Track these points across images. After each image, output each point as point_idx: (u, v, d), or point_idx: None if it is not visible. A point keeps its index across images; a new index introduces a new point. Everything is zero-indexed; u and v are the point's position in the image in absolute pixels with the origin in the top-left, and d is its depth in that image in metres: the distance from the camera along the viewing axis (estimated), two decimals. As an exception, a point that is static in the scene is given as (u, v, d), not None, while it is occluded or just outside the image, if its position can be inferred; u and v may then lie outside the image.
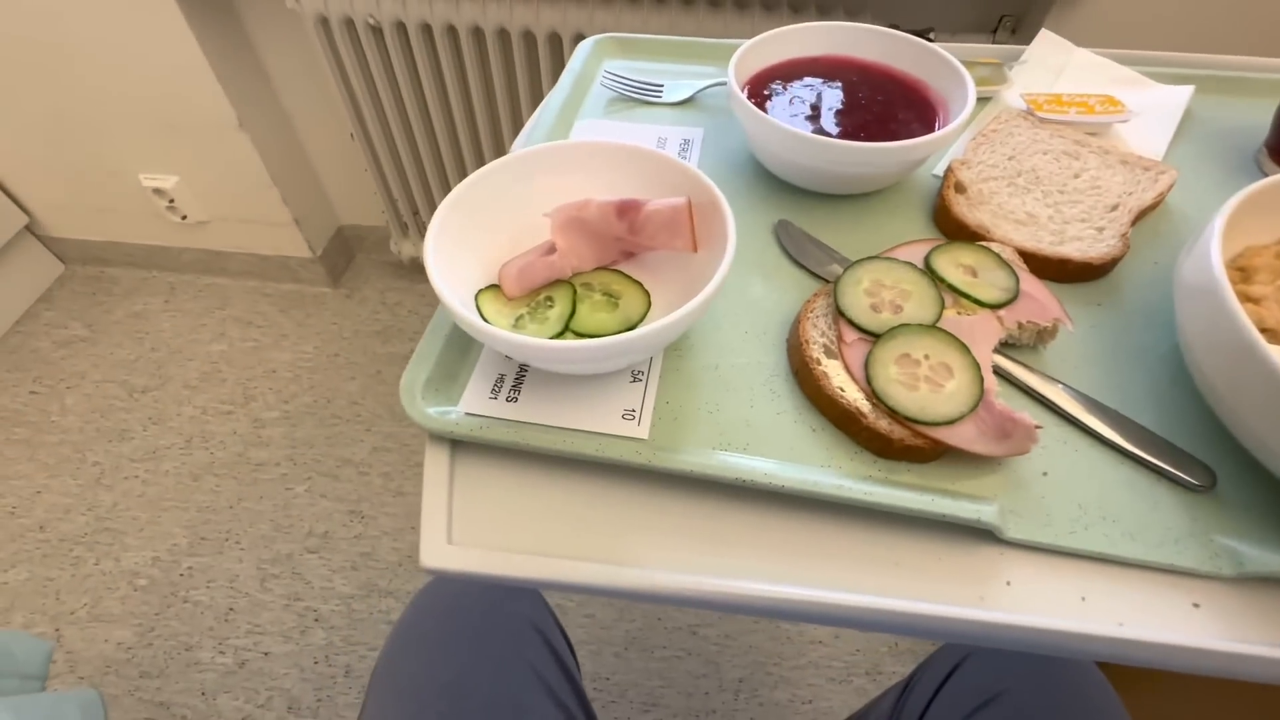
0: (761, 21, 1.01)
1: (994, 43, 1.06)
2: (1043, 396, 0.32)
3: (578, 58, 0.53)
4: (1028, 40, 1.01)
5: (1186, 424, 0.31)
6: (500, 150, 1.26)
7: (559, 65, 1.10)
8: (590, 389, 0.33)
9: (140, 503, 1.25)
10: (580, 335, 0.33)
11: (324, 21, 1.11)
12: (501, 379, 0.33)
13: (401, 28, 1.10)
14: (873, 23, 1.04)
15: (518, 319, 0.34)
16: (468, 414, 0.32)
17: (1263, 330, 0.31)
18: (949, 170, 0.41)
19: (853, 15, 1.01)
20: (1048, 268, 0.37)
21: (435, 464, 0.31)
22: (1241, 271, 0.34)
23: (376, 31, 1.12)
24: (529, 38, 1.08)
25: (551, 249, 0.35)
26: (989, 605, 0.27)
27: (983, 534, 0.28)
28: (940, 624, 0.26)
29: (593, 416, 0.32)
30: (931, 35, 1.07)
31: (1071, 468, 0.30)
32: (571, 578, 0.28)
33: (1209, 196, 0.42)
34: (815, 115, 0.42)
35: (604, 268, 0.37)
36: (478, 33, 1.09)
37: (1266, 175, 0.42)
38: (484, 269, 0.35)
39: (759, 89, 0.44)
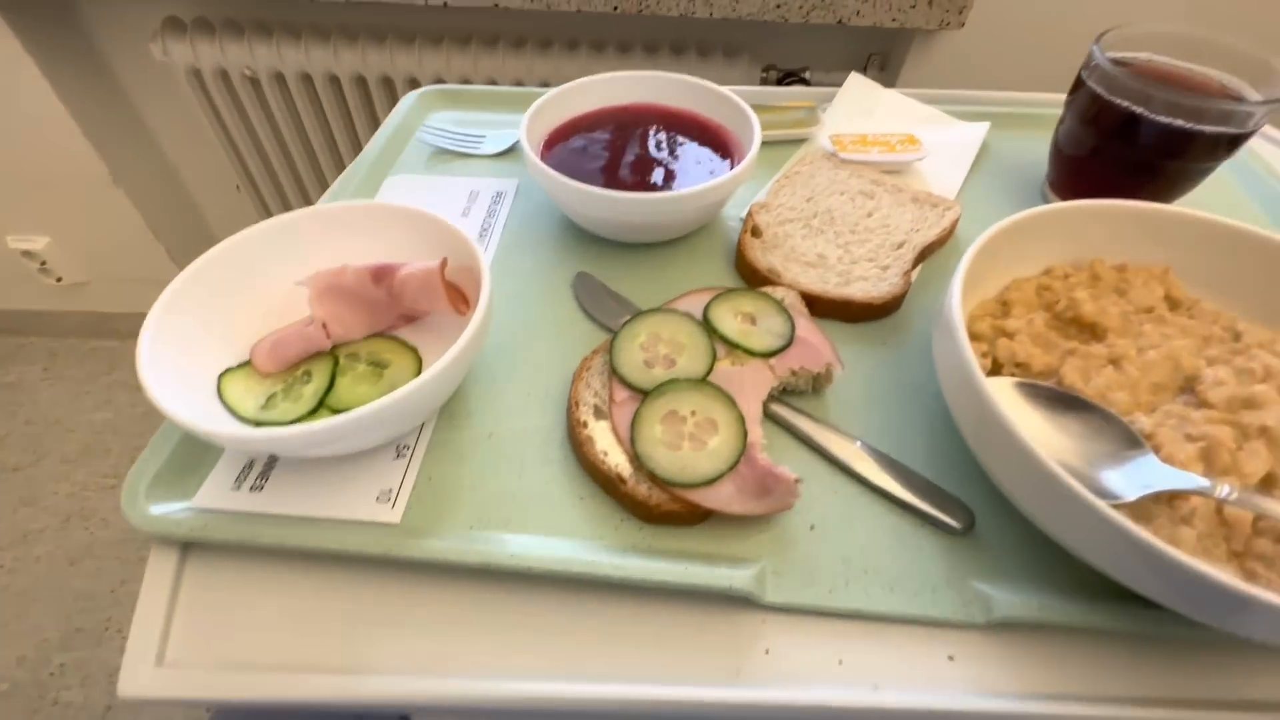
0: (594, 64, 1.03)
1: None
2: (817, 444, 0.32)
3: (398, 111, 0.52)
4: (895, 75, 1.06)
5: (952, 464, 0.31)
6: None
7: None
8: (347, 470, 0.30)
9: (4, 597, 1.14)
10: (337, 411, 0.31)
11: (196, 73, 1.08)
12: (250, 465, 0.31)
13: (280, 78, 1.08)
14: (749, 64, 1.07)
15: (269, 398, 0.31)
16: (201, 509, 0.29)
17: (1016, 364, 0.32)
18: (749, 214, 0.42)
19: (730, 58, 1.04)
20: (834, 309, 0.37)
21: (157, 571, 0.28)
22: (1004, 305, 0.35)
23: (254, 82, 1.09)
24: (414, 84, 1.07)
25: (312, 319, 0.33)
26: (745, 678, 0.26)
27: (743, 600, 0.27)
28: (689, 709, 0.25)
29: (343, 502, 0.29)
30: (807, 75, 1.12)
31: (840, 519, 0.29)
32: (303, 694, 0.25)
33: (996, 229, 0.43)
34: (615, 165, 0.42)
35: (380, 334, 0.35)
36: (360, 81, 1.07)
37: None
38: (237, 347, 0.32)
39: (562, 139, 0.43)
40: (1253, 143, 0.50)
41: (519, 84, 1.06)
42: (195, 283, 0.31)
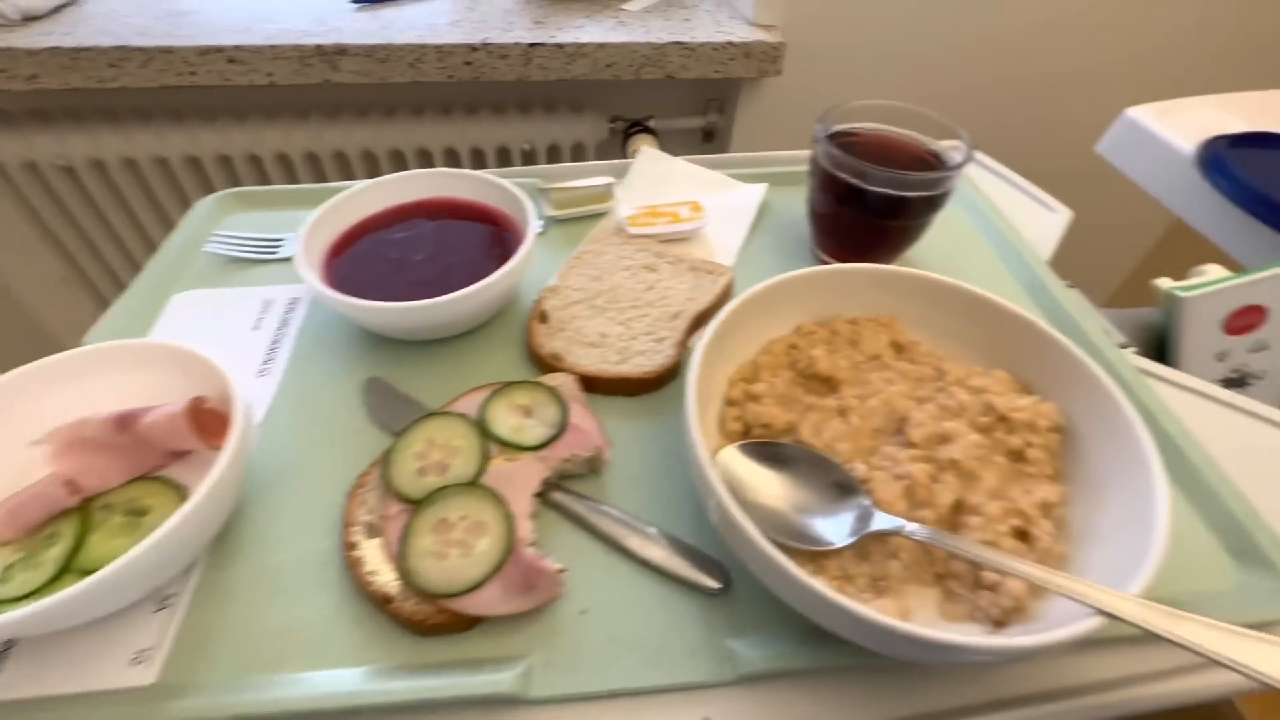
0: (441, 128, 1.04)
1: (704, 121, 1.18)
2: (591, 525, 0.34)
3: (188, 221, 0.51)
4: (732, 118, 1.14)
5: (709, 528, 0.34)
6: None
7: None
8: (97, 635, 0.29)
9: None
10: (88, 572, 0.30)
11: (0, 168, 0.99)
12: (-13, 646, 0.29)
13: (100, 165, 1.01)
14: (596, 117, 1.12)
15: (6, 569, 0.29)
16: (-78, 709, 0.27)
17: (762, 425, 0.35)
18: (538, 299, 0.44)
19: (577, 113, 1.09)
20: (613, 386, 0.39)
21: None
22: (755, 368, 0.38)
23: (68, 171, 1.02)
24: (254, 160, 1.04)
25: (56, 479, 0.31)
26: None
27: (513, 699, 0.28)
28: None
29: (93, 672, 0.28)
30: (652, 124, 1.17)
31: (610, 598, 0.31)
32: None
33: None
34: (401, 266, 0.43)
35: (143, 476, 0.34)
36: (193, 161, 1.03)
37: (815, 259, 0.50)
38: (-30, 516, 0.30)
39: (350, 243, 0.44)
40: (981, 178, 0.58)
41: (368, 154, 1.06)
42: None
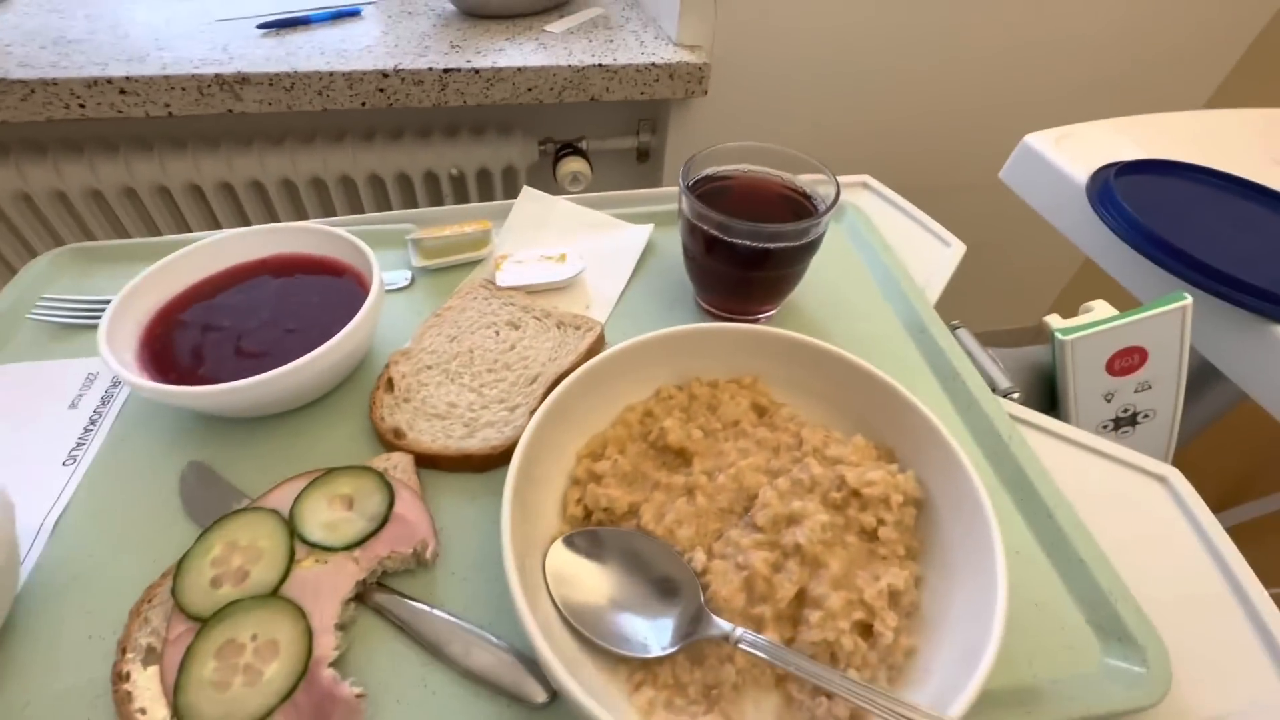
0: (363, 153, 1.01)
1: (637, 141, 1.16)
2: (413, 631, 0.31)
3: (15, 285, 0.47)
4: (664, 138, 1.12)
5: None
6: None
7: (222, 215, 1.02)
8: None
9: None
10: None
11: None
12: None
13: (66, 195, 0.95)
14: (525, 139, 1.09)
15: None
16: None
17: (603, 509, 0.33)
18: (386, 365, 0.40)
19: (506, 135, 1.06)
20: (456, 464, 0.36)
21: None
22: (603, 443, 0.36)
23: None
24: (165, 193, 0.99)
25: None
26: None
27: None
28: None
29: None
30: (583, 145, 1.15)
31: (425, 714, 0.28)
32: None
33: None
34: (232, 335, 0.39)
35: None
36: (95, 194, 0.97)
37: (698, 307, 0.47)
38: None
39: (177, 311, 0.40)
40: (876, 209, 0.57)
41: (287, 182, 1.01)
42: None
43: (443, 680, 0.30)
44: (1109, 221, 0.47)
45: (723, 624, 0.28)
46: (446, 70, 0.92)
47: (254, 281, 0.42)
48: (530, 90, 0.96)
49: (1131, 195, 0.50)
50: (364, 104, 0.93)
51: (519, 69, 0.94)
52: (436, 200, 1.09)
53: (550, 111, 1.09)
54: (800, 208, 0.43)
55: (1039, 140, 0.59)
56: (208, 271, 0.42)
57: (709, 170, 0.44)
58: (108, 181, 0.95)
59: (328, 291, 0.42)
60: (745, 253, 0.40)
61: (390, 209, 1.06)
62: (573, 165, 1.12)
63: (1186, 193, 0.52)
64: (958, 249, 0.52)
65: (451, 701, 0.29)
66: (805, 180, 0.44)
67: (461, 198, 1.10)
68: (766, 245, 0.40)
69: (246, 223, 1.04)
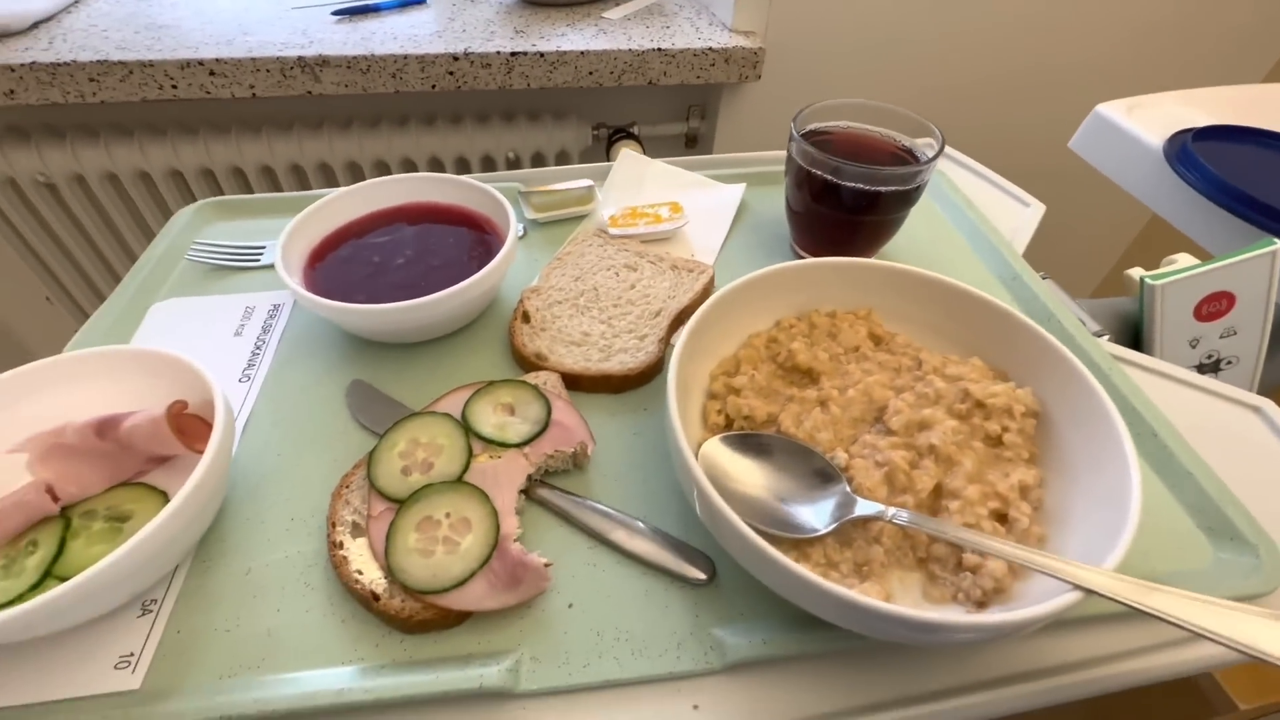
0: (425, 137, 1.04)
1: (686, 127, 1.20)
2: (576, 520, 0.34)
3: (168, 231, 0.51)
4: (714, 124, 1.15)
5: (695, 520, 0.34)
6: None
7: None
8: (81, 639, 0.29)
9: None
10: (68, 579, 0.29)
11: (-24, 186, 0.98)
12: (-36, 658, 0.28)
13: (80, 180, 1.01)
14: (579, 124, 1.12)
15: (-14, 578, 0.29)
16: (-102, 722, 0.26)
17: (744, 417, 0.36)
18: (520, 300, 0.44)
19: (560, 120, 1.09)
20: (597, 384, 0.40)
21: None
22: (736, 362, 0.39)
23: (50, 187, 1.01)
24: (239, 174, 1.04)
25: (36, 486, 0.31)
26: (504, 773, 0.26)
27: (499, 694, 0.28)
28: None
29: (77, 677, 0.28)
30: (635, 130, 1.18)
31: (596, 592, 0.31)
32: None
33: (749, 284, 0.48)
34: (383, 269, 0.43)
35: (125, 483, 0.33)
36: (175, 175, 1.02)
37: (795, 256, 0.50)
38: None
39: (331, 248, 0.44)
40: (955, 174, 0.60)
41: (352, 164, 1.06)
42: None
43: (609, 561, 0.33)
44: (1191, 180, 0.50)
45: (875, 504, 0.30)
46: (514, 54, 0.96)
47: (393, 226, 0.46)
48: (591, 74, 0.99)
49: (1210, 157, 0.52)
50: (434, 86, 0.97)
51: (581, 53, 0.97)
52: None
53: (604, 98, 1.13)
54: (901, 159, 0.46)
55: (1111, 110, 0.62)
56: (357, 214, 0.46)
57: (813, 125, 0.47)
58: (189, 161, 1.00)
59: (461, 234, 0.46)
60: (854, 197, 0.43)
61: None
62: (630, 148, 1.15)
63: (1260, 155, 0.54)
64: (1037, 209, 0.55)
65: (619, 578, 0.32)
66: (903, 136, 0.47)
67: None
68: (877, 188, 0.43)
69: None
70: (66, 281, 1.13)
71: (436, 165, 1.09)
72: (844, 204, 0.44)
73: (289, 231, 0.42)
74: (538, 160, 1.12)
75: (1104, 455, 0.31)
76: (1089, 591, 0.25)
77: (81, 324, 1.17)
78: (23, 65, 0.85)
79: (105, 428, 0.31)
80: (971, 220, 0.52)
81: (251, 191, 1.06)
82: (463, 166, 1.10)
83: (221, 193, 1.05)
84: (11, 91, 0.87)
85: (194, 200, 1.07)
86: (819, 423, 0.35)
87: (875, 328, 0.40)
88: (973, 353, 0.38)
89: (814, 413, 0.35)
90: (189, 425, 0.32)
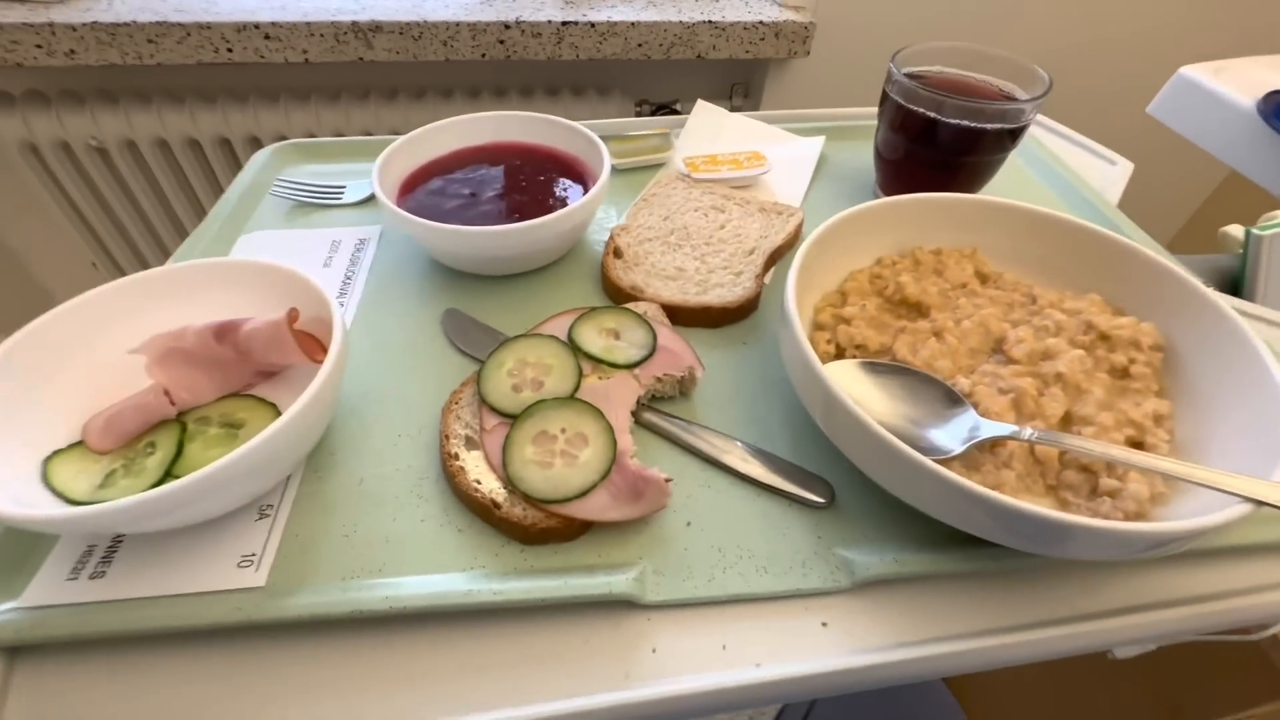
0: (469, 109, 1.05)
1: (730, 105, 1.19)
2: (687, 444, 0.33)
3: (250, 169, 0.51)
4: (758, 101, 1.14)
5: (810, 445, 0.33)
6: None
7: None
8: (203, 539, 0.29)
9: None
10: (187, 480, 0.29)
11: (32, 149, 1.00)
12: (90, 551, 0.28)
13: (132, 145, 1.02)
14: (622, 99, 1.12)
15: (108, 476, 0.29)
16: (30, 608, 0.26)
17: (856, 346, 0.35)
18: (610, 236, 0.43)
19: (604, 95, 1.09)
20: (695, 316, 0.39)
21: (-26, 685, 0.25)
22: (842, 295, 0.38)
23: (101, 152, 1.02)
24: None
25: (154, 389, 0.31)
26: (634, 681, 0.26)
27: (627, 603, 0.28)
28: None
29: (200, 574, 0.27)
30: (678, 106, 1.18)
31: (714, 511, 0.31)
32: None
33: (837, 229, 0.47)
34: (473, 202, 0.42)
35: (234, 394, 0.33)
36: (224, 142, 1.03)
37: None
38: (72, 428, 0.30)
39: (420, 182, 0.44)
40: (1040, 135, 0.58)
41: (396, 135, 1.06)
42: (11, 361, 0.29)
43: (723, 483, 0.32)
44: (1291, 134, 0.48)
45: (1007, 425, 0.29)
46: (564, 23, 0.95)
47: (485, 161, 0.46)
48: (640, 46, 0.99)
49: (1308, 113, 0.50)
50: (484, 55, 0.97)
51: (632, 24, 0.97)
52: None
53: (646, 73, 1.12)
54: (998, 99, 0.45)
55: (1196, 72, 0.60)
56: (447, 149, 0.45)
57: (910, 68, 0.46)
58: (238, 130, 1.01)
59: (550, 172, 0.45)
60: (956, 135, 0.42)
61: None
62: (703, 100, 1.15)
63: (1358, 114, 0.52)
64: (1125, 166, 0.53)
65: (735, 499, 0.31)
66: (1001, 81, 0.46)
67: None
68: (981, 125, 0.41)
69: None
70: (112, 248, 1.14)
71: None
72: (944, 143, 0.43)
73: (382, 161, 0.41)
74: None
75: (1247, 385, 0.30)
76: (1260, 503, 0.24)
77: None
78: (84, 25, 0.86)
79: (224, 332, 0.31)
80: (1062, 175, 0.51)
81: (299, 159, 1.07)
82: (508, 138, 1.09)
83: (270, 160, 1.06)
84: (72, 51, 0.88)
85: (238, 168, 1.08)
86: (935, 351, 0.34)
87: (981, 266, 0.39)
88: (1088, 290, 0.37)
89: (929, 342, 0.34)
90: (300, 336, 0.32)
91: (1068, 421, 0.31)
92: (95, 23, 0.86)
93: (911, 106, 0.43)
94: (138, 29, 0.88)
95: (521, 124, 0.47)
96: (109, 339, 0.31)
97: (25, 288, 1.24)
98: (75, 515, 0.24)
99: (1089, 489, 0.29)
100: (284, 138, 1.03)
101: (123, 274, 1.16)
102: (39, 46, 0.87)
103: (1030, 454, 0.30)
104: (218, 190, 1.09)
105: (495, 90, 1.09)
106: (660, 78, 1.15)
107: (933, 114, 0.42)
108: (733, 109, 1.21)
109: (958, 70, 0.47)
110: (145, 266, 1.18)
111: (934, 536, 0.29)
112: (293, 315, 0.32)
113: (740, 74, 1.17)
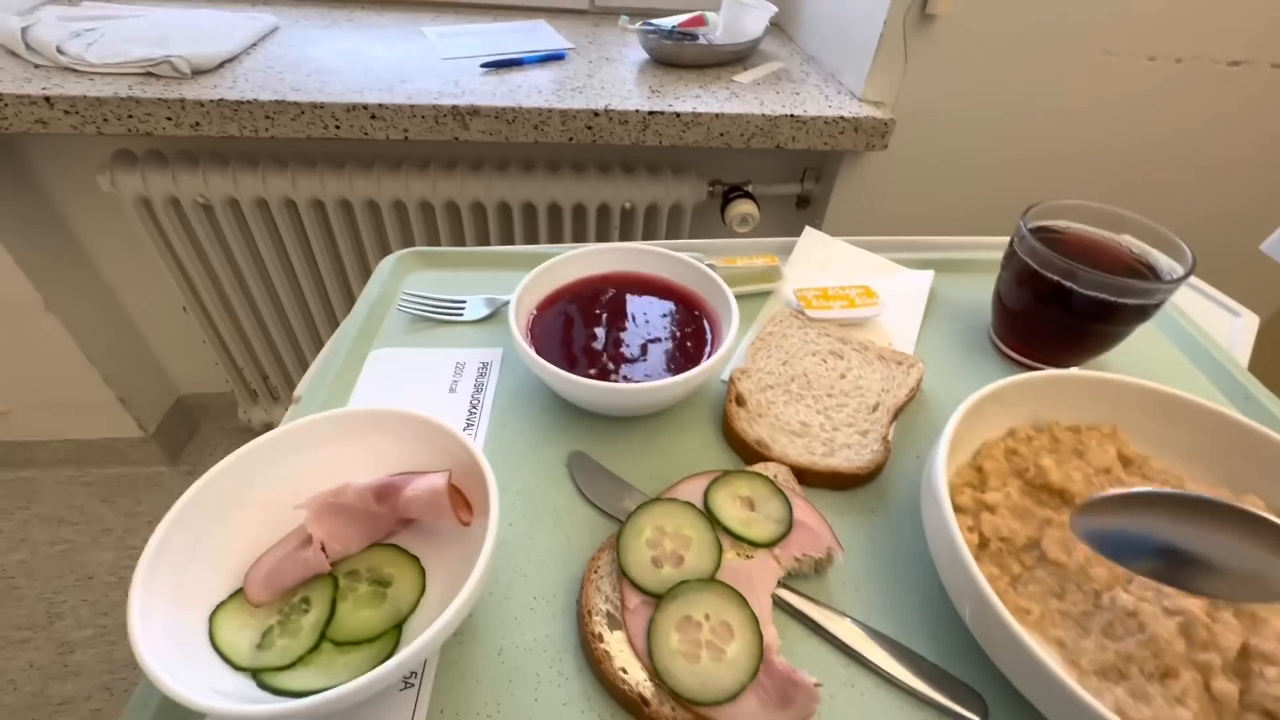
0: (549, 183, 1.09)
1: (801, 189, 1.20)
2: (826, 632, 0.32)
3: (377, 279, 0.53)
4: (829, 187, 1.16)
5: (956, 644, 0.32)
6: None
7: (390, 229, 1.12)
8: (352, 715, 0.29)
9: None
10: (339, 643, 0.30)
11: (145, 203, 1.07)
12: None
13: (234, 204, 1.08)
14: (697, 180, 1.15)
15: (266, 634, 0.30)
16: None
17: (1001, 539, 0.34)
18: (730, 382, 0.44)
19: (679, 175, 1.12)
20: (821, 479, 0.39)
21: None
22: (980, 473, 0.37)
23: (206, 208, 1.09)
24: (371, 207, 1.10)
25: (308, 540, 0.32)
26: None
27: (777, 826, 0.27)
28: None
29: (351, 752, 0.28)
30: (750, 189, 1.20)
31: (860, 714, 0.30)
32: None
33: (956, 381, 0.46)
34: (597, 340, 0.43)
35: (378, 543, 0.34)
36: (317, 204, 1.08)
37: (995, 350, 0.49)
38: (228, 575, 0.31)
39: (545, 309, 0.45)
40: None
41: (477, 205, 1.10)
42: (189, 513, 0.30)
43: (869, 685, 0.31)
44: None
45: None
46: (651, 112, 0.99)
47: (609, 292, 0.47)
48: (722, 135, 1.01)
49: None
50: (571, 139, 1.00)
51: (716, 115, 1.00)
52: (605, 230, 1.15)
53: (720, 156, 1.15)
54: (1134, 271, 0.44)
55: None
56: (572, 277, 0.47)
57: (1040, 223, 0.46)
58: (331, 193, 1.06)
59: (672, 309, 0.46)
60: (1087, 305, 0.42)
61: (562, 236, 1.13)
62: (743, 208, 1.17)
63: None
64: (1250, 319, 0.52)
65: (881, 706, 0.30)
66: (1136, 243, 0.45)
67: (628, 232, 1.16)
68: (1116, 300, 0.41)
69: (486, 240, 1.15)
70: (203, 294, 1.20)
71: (554, 211, 1.13)
72: (1072, 309, 0.43)
73: (518, 296, 0.43)
74: (651, 212, 1.14)
75: None
76: None
77: (210, 334, 1.22)
78: (210, 101, 0.93)
79: (385, 493, 0.32)
80: (1188, 332, 0.50)
81: (382, 224, 1.12)
82: (579, 213, 1.13)
83: (355, 222, 1.11)
84: (197, 124, 0.94)
85: (328, 228, 1.13)
86: (1090, 555, 0.33)
87: (1123, 448, 0.38)
88: (1243, 489, 0.35)
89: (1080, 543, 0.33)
90: (452, 496, 0.33)
91: (1245, 656, 0.29)
92: (221, 100, 0.93)
93: (1041, 270, 0.43)
94: (258, 106, 0.94)
95: (646, 258, 0.48)
96: (259, 487, 0.32)
97: (119, 323, 1.31)
98: (249, 714, 0.24)
99: (1272, 741, 0.27)
100: (374, 202, 1.09)
101: (210, 319, 1.21)
102: (169, 119, 0.94)
103: (1206, 690, 0.28)
104: (306, 245, 1.14)
105: (574, 166, 1.13)
106: (734, 160, 1.18)
107: (1066, 281, 0.42)
108: (804, 192, 1.23)
109: (1090, 228, 0.47)
110: (231, 314, 1.24)
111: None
112: (450, 478, 0.32)
113: (812, 160, 1.19)
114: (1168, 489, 0.31)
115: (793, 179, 1.21)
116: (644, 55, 1.17)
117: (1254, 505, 0.34)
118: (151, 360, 1.41)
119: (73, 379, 1.27)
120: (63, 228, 1.18)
